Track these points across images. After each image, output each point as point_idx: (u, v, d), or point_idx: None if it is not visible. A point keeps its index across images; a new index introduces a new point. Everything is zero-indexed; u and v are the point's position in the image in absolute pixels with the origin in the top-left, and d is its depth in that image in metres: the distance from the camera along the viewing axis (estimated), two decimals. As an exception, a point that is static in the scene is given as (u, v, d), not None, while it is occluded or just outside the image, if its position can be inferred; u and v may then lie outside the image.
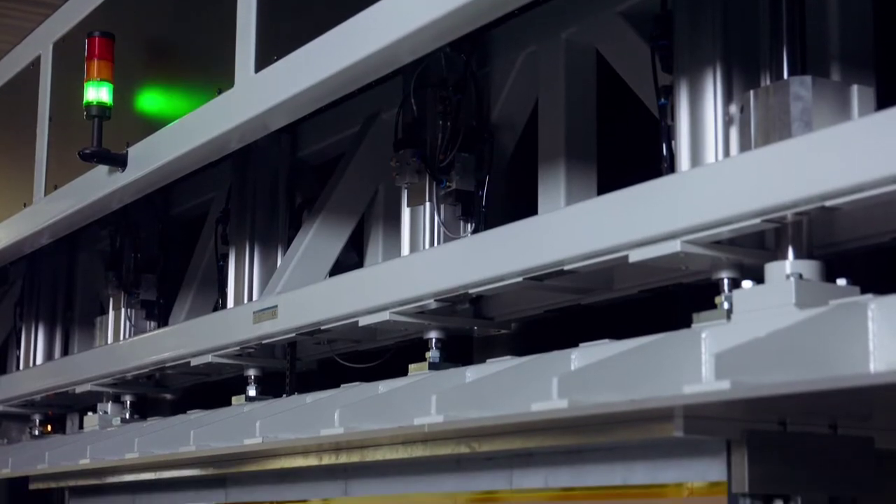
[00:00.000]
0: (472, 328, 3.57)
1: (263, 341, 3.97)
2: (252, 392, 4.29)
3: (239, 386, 4.35)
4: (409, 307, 3.33)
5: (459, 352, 3.55)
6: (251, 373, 4.32)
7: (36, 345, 5.97)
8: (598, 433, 2.52)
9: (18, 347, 6.10)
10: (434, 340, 3.45)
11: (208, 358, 4.26)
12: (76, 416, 5.98)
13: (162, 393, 5.32)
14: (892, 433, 2.48)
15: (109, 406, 5.19)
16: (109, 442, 4.54)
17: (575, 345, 2.75)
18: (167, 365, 4.54)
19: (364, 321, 3.47)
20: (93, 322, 5.60)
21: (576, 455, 2.72)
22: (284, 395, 4.03)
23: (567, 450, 2.72)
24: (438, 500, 3.15)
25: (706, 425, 2.33)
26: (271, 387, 4.27)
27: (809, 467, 2.39)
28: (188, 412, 4.41)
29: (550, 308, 3.36)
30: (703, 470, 2.41)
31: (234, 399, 4.27)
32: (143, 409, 5.19)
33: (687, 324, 2.51)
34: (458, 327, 3.49)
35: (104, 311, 5.38)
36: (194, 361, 4.35)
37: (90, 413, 5.25)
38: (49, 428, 6.05)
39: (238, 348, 4.12)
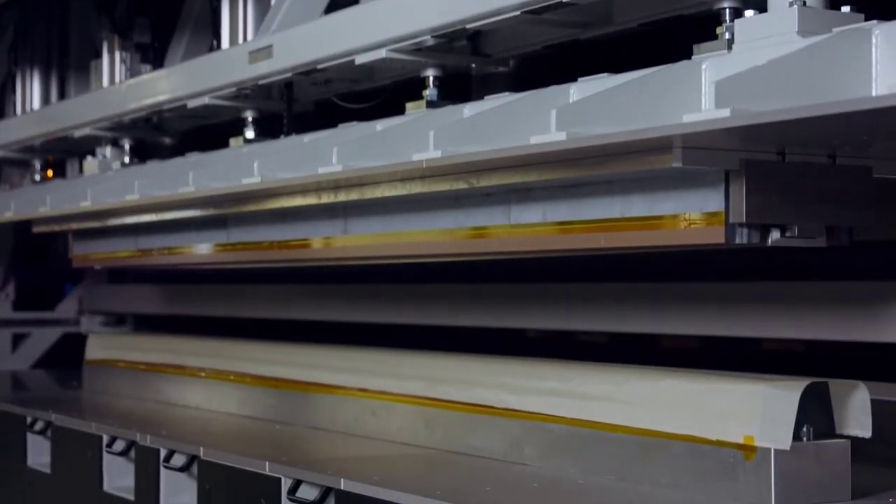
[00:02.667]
0: (470, 65, 3.53)
1: (260, 82, 3.93)
2: (250, 134, 4.28)
3: (237, 128, 4.34)
4: (406, 44, 3.29)
5: (457, 90, 3.52)
6: (248, 114, 4.29)
7: (32, 90, 5.95)
8: (597, 165, 2.51)
9: (14, 93, 6.09)
10: (431, 78, 3.41)
11: (205, 100, 4.23)
12: (76, 161, 5.99)
13: (160, 137, 5.31)
14: (890, 162, 2.48)
15: (108, 150, 5.19)
16: (110, 184, 4.56)
17: (574, 80, 2.72)
18: (164, 108, 4.51)
19: (360, 59, 3.43)
20: (88, 66, 5.55)
21: (574, 189, 2.72)
22: (282, 136, 4.02)
23: (565, 183, 2.72)
24: (437, 236, 3.17)
25: (705, 156, 2.32)
26: (269, 128, 4.25)
27: (807, 197, 2.39)
28: (186, 154, 4.41)
29: (549, 43, 3.32)
30: (701, 200, 2.41)
31: (231, 141, 4.27)
32: (143, 153, 5.19)
33: (688, 56, 2.48)
34: (455, 64, 3.44)
35: (99, 56, 5.32)
36: (191, 104, 4.32)
37: (90, 157, 5.26)
38: (50, 173, 6.07)
39: (235, 90, 4.09)
